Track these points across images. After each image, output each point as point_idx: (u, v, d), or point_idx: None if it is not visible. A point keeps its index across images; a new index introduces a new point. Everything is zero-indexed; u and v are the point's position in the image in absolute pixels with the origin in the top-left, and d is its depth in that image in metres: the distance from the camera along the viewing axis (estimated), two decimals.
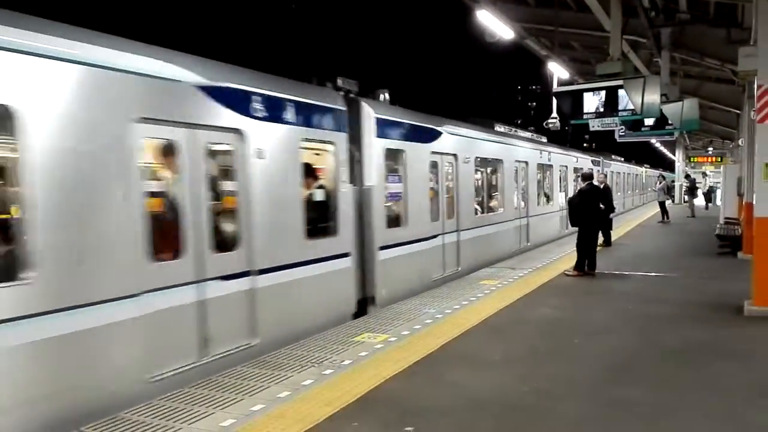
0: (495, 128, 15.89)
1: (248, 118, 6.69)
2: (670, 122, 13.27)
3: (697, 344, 6.82)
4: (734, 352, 6.54)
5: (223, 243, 6.46)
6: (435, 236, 11.04)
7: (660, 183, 27.33)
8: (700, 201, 33.19)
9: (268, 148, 6.96)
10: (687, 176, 36.78)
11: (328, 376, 5.73)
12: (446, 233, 11.47)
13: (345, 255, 8.43)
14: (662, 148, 50.46)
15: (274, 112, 7.10)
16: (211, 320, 6.10)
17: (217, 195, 6.51)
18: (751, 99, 11.08)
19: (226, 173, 6.71)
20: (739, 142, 19.92)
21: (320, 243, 7.97)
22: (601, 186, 14.13)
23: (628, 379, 5.69)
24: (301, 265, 7.49)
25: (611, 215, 15.36)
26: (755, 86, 8.19)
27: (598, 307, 8.95)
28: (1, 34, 4.45)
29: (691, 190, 29.80)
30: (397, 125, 9.91)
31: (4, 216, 4.96)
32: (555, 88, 14.57)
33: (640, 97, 8.93)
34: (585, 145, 65.87)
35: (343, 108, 8.49)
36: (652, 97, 9.14)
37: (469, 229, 12.54)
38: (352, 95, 8.97)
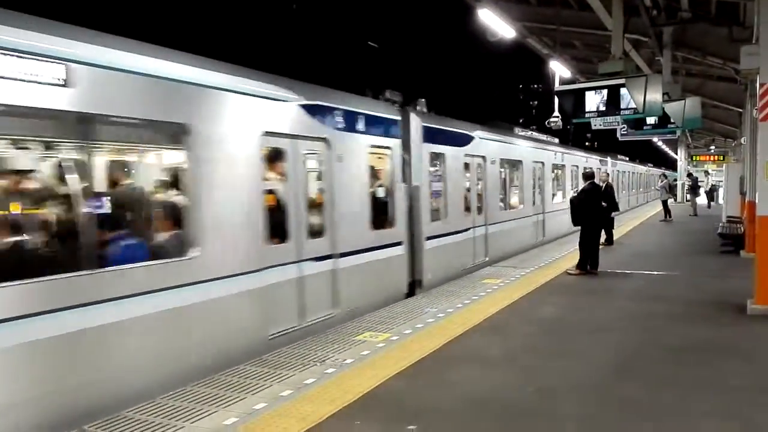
0: (515, 132, 17.40)
1: (332, 129, 8.19)
2: (672, 121, 13.23)
3: (700, 343, 6.82)
4: (737, 350, 6.54)
5: (315, 231, 7.90)
6: (467, 229, 12.45)
7: (662, 182, 27.30)
8: (702, 200, 33.14)
9: (345, 153, 8.45)
10: (689, 175, 36.72)
11: (330, 374, 5.74)
12: (476, 227, 12.85)
13: (399, 243, 9.88)
14: (664, 147, 50.43)
15: (349, 123, 8.60)
16: (307, 293, 7.57)
17: (310, 192, 7.99)
18: (753, 97, 11.05)
19: (317, 175, 8.17)
20: (742, 140, 19.86)
21: (381, 233, 9.43)
22: (604, 185, 14.12)
23: (631, 377, 5.70)
24: (368, 251, 8.93)
25: (615, 213, 15.47)
26: (757, 85, 8.17)
27: (601, 305, 8.95)
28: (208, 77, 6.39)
29: (694, 189, 29.76)
30: (439, 132, 11.32)
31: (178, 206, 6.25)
32: (557, 86, 14.56)
33: (642, 96, 8.92)
34: (587, 143, 65.84)
35: (398, 118, 10.01)
36: (654, 95, 9.14)
37: (495, 223, 13.86)
38: (402, 107, 10.42)
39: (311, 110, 7.80)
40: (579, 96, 9.76)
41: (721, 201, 27.82)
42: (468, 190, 12.73)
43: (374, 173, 9.57)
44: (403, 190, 10.00)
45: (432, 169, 11.10)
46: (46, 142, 5.60)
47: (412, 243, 10.28)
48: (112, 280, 5.24)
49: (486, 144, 13.53)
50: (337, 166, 8.25)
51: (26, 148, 5.51)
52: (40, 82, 4.73)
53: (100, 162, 5.97)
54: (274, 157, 7.36)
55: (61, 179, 5.34)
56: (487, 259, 13.14)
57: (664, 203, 25.34)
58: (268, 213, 6.99)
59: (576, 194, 13.86)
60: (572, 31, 13.76)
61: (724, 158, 34.60)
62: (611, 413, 4.85)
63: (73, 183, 5.18)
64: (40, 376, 4.69)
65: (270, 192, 7.22)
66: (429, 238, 10.66)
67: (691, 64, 15.89)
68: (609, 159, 28.49)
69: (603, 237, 14.23)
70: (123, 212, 5.95)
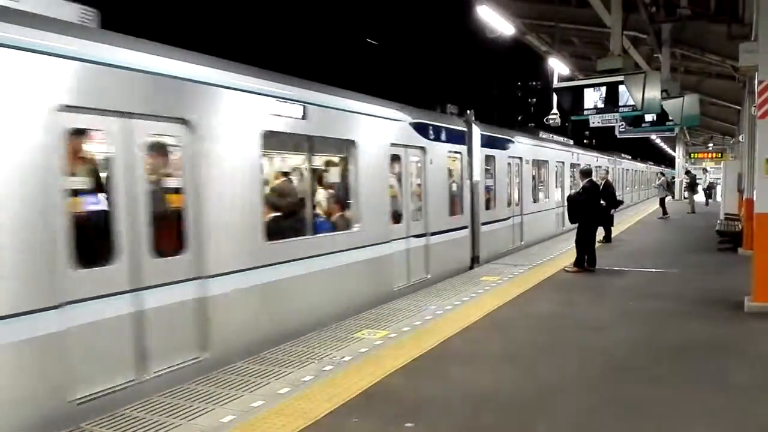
0: (539, 135, 20.43)
1: (426, 140, 10.82)
2: (670, 118, 13.21)
3: (698, 340, 6.82)
4: (735, 348, 6.55)
5: (416, 215, 10.55)
6: (509, 218, 15.10)
7: (659, 179, 27.33)
8: (700, 197, 33.18)
9: (434, 157, 11.08)
10: (687, 172, 36.71)
11: (329, 372, 5.73)
12: (514, 216, 15.50)
13: (465, 227, 12.54)
14: (662, 144, 50.40)
15: (437, 135, 11.25)
16: (411, 261, 10.25)
17: (413, 187, 10.60)
18: (752, 95, 11.04)
19: (416, 173, 10.74)
20: (740, 138, 19.88)
21: (455, 219, 12.07)
22: (602, 182, 14.12)
23: (630, 374, 5.70)
24: (447, 232, 11.57)
25: (615, 210, 15.57)
26: (756, 82, 8.17)
27: (599, 303, 8.96)
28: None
29: (692, 186, 29.79)
30: (490, 138, 13.95)
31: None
32: (555, 83, 14.53)
33: (640, 93, 8.89)
34: (585, 141, 65.84)
35: (465, 129, 12.70)
36: (653, 93, 9.11)
37: (528, 213, 16.41)
38: (466, 120, 13.05)
39: (415, 126, 10.52)
40: (577, 93, 9.72)
41: (719, 198, 27.84)
42: (509, 185, 15.36)
43: (450, 172, 12.06)
44: (467, 185, 12.68)
45: (485, 168, 13.67)
46: (294, 154, 8.74)
47: (473, 227, 12.85)
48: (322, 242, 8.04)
49: (522, 147, 16.21)
50: (429, 167, 10.90)
51: (286, 157, 8.81)
52: (293, 117, 7.50)
53: (318, 165, 8.75)
54: (393, 161, 9.92)
55: (300, 177, 8.26)
56: (522, 243, 15.74)
57: (662, 201, 25.36)
58: (391, 201, 9.72)
59: (574, 192, 13.93)
60: (571, 28, 13.72)
61: (722, 156, 34.56)
62: (609, 409, 4.85)
63: (308, 179, 8.14)
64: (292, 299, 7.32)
65: (391, 186, 9.85)
66: (483, 224, 13.33)
67: (690, 62, 15.86)
68: (615, 158, 31.26)
69: (601, 234, 14.26)
70: (332, 198, 8.88)
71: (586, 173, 12.53)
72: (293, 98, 7.47)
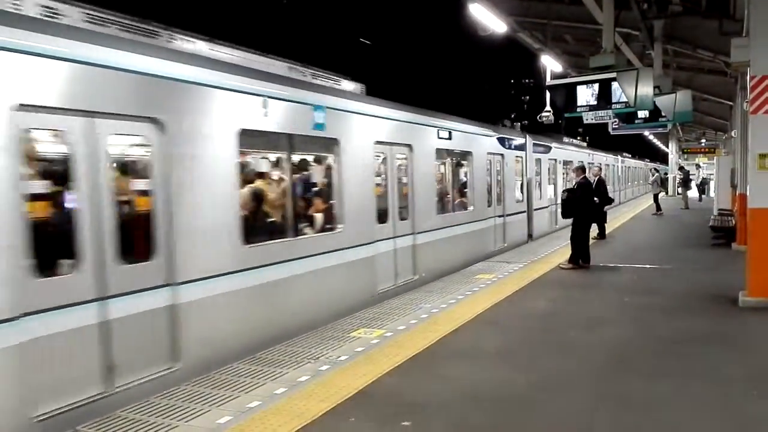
0: (563, 140, 24.92)
1: (504, 149, 15.18)
2: (663, 114, 13.29)
3: (693, 335, 6.84)
4: (729, 342, 6.57)
5: (498, 201, 14.85)
6: (549, 206, 19.17)
7: (653, 176, 27.42)
8: (693, 193, 33.30)
9: (509, 161, 15.52)
10: (681, 168, 36.85)
11: (325, 372, 5.73)
12: (552, 205, 19.26)
13: (524, 211, 16.87)
14: (655, 141, 50.55)
15: (510, 145, 15.66)
16: (494, 233, 14.43)
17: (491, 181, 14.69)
18: (744, 90, 11.11)
19: (497, 172, 14.90)
20: (732, 133, 19.95)
21: (520, 205, 16.51)
22: (595, 179, 14.15)
23: (625, 370, 5.71)
24: (516, 214, 16.04)
25: (609, 207, 15.71)
26: (748, 77, 8.19)
27: (594, 299, 8.97)
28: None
29: (685, 182, 29.88)
30: (539, 146, 18.54)
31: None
32: (548, 81, 14.57)
33: (633, 90, 8.93)
34: (578, 138, 65.95)
35: (524, 140, 17.07)
36: (645, 89, 9.15)
37: (560, 203, 19.43)
38: (523, 132, 18.12)
39: (499, 140, 14.89)
40: (570, 90, 9.77)
41: (712, 194, 27.93)
42: (549, 180, 19.68)
43: (516, 171, 16.42)
44: (525, 181, 17.07)
45: (534, 168, 18.01)
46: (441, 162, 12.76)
47: (528, 212, 17.13)
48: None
49: (557, 151, 20.88)
50: (506, 168, 15.23)
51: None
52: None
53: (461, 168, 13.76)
54: (489, 164, 14.30)
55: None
56: (557, 226, 19.12)
57: (656, 197, 25.45)
58: (487, 191, 14.17)
59: (568, 189, 13.98)
60: (563, 25, 13.77)
61: (714, 151, 34.73)
62: (605, 405, 4.86)
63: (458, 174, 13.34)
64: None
65: (488, 181, 14.34)
66: (535, 210, 17.58)
67: (682, 58, 15.94)
68: (620, 156, 36.03)
69: (595, 231, 14.29)
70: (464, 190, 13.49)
71: (581, 170, 12.55)
72: (455, 129, 12.44)
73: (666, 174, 40.58)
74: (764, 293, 7.88)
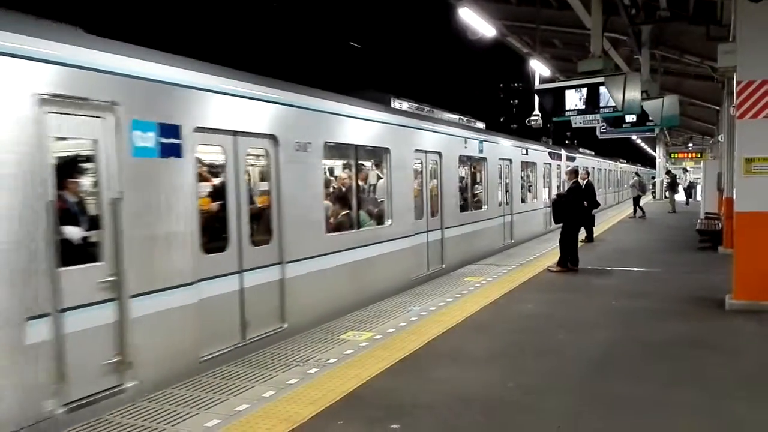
0: (580, 150, 30.16)
1: (552, 159, 21.53)
2: (650, 119, 13.38)
3: (680, 338, 6.88)
4: (716, 345, 6.62)
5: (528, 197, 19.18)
6: None
7: (633, 179, 27.73)
8: (680, 197, 33.56)
9: (554, 168, 21.56)
10: (668, 172, 37.14)
11: (314, 374, 5.71)
12: None
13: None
14: (643, 145, 50.92)
15: (553, 155, 21.77)
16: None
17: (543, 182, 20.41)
18: (731, 95, 11.20)
19: (542, 176, 20.21)
20: (719, 138, 20.13)
21: (544, 202, 19.68)
22: (584, 182, 14.23)
23: (612, 373, 5.74)
24: (537, 209, 19.43)
25: (596, 210, 15.74)
26: (734, 82, 8.27)
27: (582, 302, 9.01)
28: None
29: (672, 186, 30.11)
30: (569, 157, 23.43)
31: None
32: (537, 85, 14.63)
33: (621, 94, 8.98)
34: (567, 141, 66.44)
35: (560, 152, 22.64)
36: (633, 94, 9.20)
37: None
38: (559, 146, 24.49)
39: (549, 153, 20.75)
40: (559, 94, 9.80)
41: (699, 198, 28.17)
42: None
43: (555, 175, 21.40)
44: (555, 183, 21.47)
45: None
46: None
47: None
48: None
49: (579, 161, 24.93)
50: (549, 172, 20.63)
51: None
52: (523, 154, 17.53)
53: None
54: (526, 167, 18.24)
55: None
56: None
57: (635, 200, 25.65)
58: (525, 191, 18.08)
59: (558, 194, 14.13)
60: (552, 30, 13.81)
61: (701, 155, 34.98)
62: (593, 408, 4.88)
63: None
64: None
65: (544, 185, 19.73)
66: None
67: (670, 63, 16.03)
68: (618, 162, 40.34)
69: (583, 234, 14.36)
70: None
71: (573, 173, 12.61)
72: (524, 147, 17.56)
73: (653, 178, 40.89)
74: (750, 296, 7.95)
